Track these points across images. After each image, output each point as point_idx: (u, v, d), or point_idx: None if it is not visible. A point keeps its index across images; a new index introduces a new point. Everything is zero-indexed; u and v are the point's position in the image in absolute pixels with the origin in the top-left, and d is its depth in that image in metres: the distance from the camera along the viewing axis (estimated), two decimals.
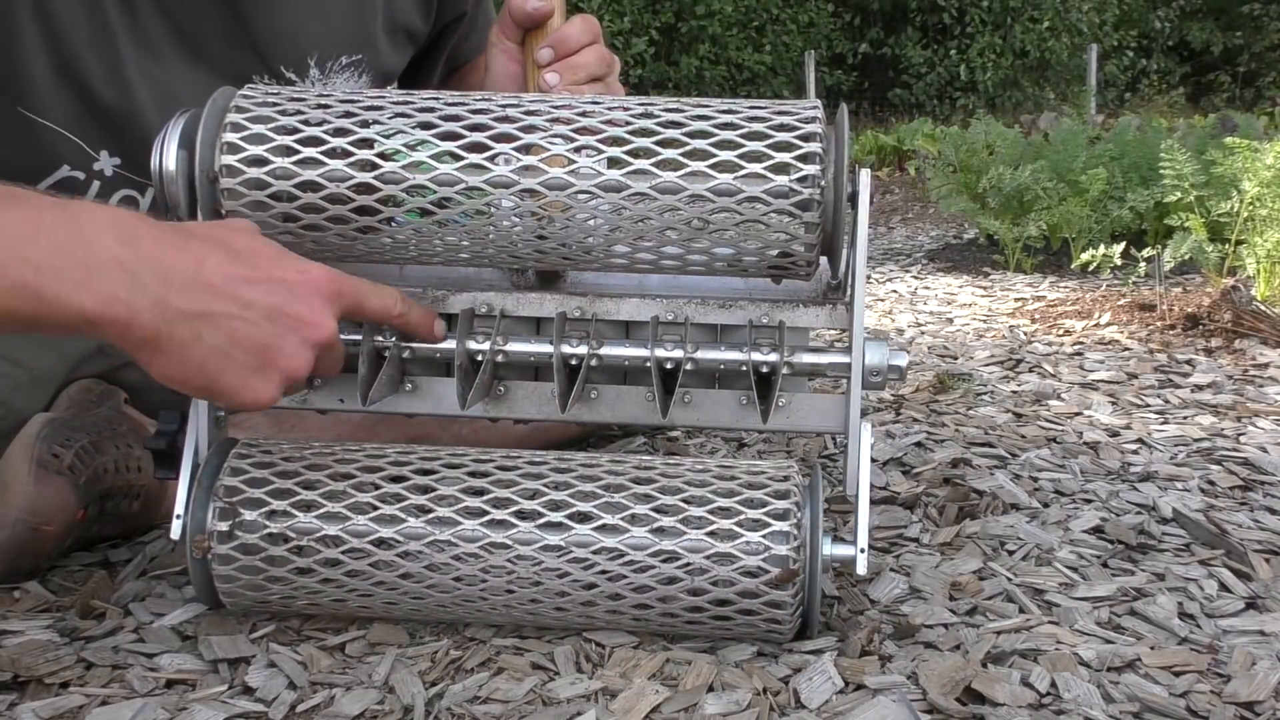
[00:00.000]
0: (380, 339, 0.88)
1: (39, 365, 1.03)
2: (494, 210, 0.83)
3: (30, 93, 1.07)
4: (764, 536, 0.80)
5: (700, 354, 0.87)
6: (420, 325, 0.86)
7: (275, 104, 0.85)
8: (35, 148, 1.09)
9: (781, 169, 0.81)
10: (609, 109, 0.84)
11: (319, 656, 0.83)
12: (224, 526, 0.82)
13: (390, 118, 0.84)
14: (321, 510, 0.82)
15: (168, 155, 0.83)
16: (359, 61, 1.24)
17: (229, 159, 0.82)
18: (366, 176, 0.82)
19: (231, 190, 0.83)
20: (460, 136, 0.83)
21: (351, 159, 0.82)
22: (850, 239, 0.85)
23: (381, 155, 0.83)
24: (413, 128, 0.83)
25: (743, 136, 0.82)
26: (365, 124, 0.83)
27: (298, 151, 0.83)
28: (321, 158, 0.82)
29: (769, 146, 0.81)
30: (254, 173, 0.82)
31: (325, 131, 0.83)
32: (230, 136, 0.83)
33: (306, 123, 0.83)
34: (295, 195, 0.83)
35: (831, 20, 13.65)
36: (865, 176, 0.83)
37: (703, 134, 0.82)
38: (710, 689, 0.78)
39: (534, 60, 1.06)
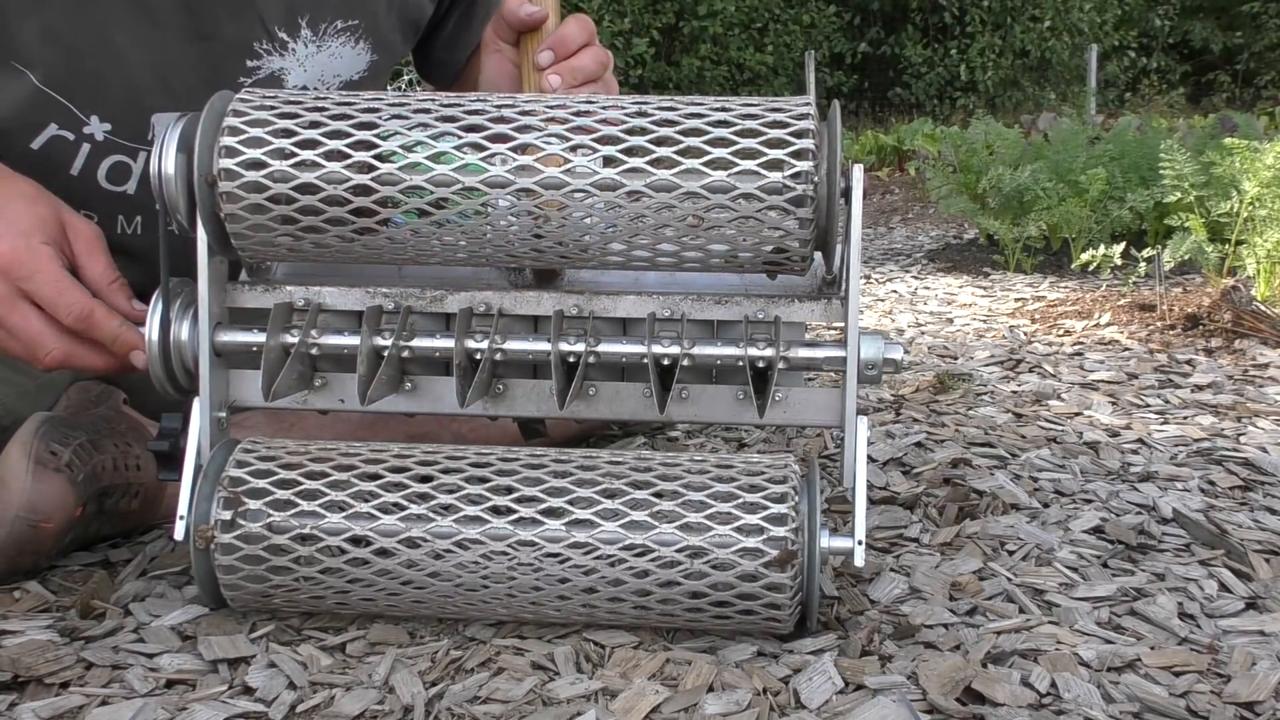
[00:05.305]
0: (380, 339, 0.88)
1: (44, 374, 1.03)
2: (491, 210, 0.84)
3: (16, 49, 1.06)
4: (762, 519, 0.81)
5: (697, 350, 0.88)
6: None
7: (273, 106, 0.85)
8: (24, 105, 1.08)
9: (775, 165, 0.82)
10: (604, 108, 0.85)
11: (319, 656, 0.83)
12: (227, 515, 0.82)
13: (387, 119, 0.84)
14: (324, 499, 0.83)
15: (167, 159, 0.84)
16: (354, 27, 1.21)
17: (227, 162, 0.82)
18: (364, 178, 0.83)
19: (230, 194, 0.83)
20: (458, 137, 0.83)
21: (349, 161, 0.83)
22: (844, 234, 0.86)
23: (379, 157, 0.83)
24: (409, 129, 0.84)
25: (736, 134, 0.83)
26: (363, 126, 0.83)
27: (296, 155, 0.83)
28: (320, 160, 0.83)
29: (762, 143, 0.82)
30: (252, 176, 0.82)
31: (323, 134, 0.83)
32: (229, 140, 0.83)
33: (304, 125, 0.84)
34: (294, 198, 0.83)
35: (833, 20, 13.65)
36: (858, 172, 0.85)
37: (696, 131, 0.83)
38: (710, 689, 0.78)
39: (533, 63, 1.06)
